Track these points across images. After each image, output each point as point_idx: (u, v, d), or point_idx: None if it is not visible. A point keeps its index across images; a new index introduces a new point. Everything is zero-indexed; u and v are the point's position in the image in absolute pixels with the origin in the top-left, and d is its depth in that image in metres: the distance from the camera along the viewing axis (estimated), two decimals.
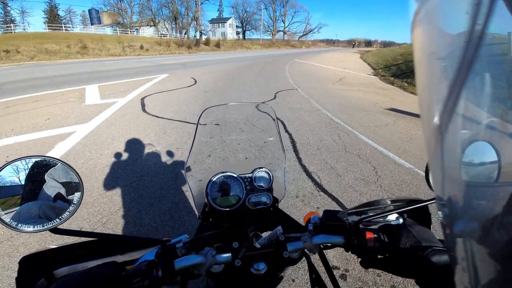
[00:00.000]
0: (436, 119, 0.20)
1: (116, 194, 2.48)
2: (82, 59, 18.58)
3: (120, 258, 0.57)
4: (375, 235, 0.57)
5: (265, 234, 0.59)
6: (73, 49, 22.04)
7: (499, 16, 0.16)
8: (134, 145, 3.55)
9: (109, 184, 2.63)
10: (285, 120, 4.90)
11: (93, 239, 0.57)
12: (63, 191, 0.51)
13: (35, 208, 0.47)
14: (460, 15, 0.17)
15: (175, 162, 3.14)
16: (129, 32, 42.44)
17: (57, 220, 0.49)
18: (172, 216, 2.21)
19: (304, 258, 0.64)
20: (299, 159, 3.29)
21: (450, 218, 0.22)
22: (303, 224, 0.69)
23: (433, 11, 0.20)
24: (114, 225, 2.10)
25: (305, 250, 0.62)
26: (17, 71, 11.18)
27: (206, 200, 0.75)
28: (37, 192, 0.48)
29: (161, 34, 46.44)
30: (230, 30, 67.09)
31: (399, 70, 12.41)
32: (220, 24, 67.08)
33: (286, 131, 4.33)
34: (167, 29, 51.90)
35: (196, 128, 0.85)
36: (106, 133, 3.95)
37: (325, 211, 0.62)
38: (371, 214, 0.63)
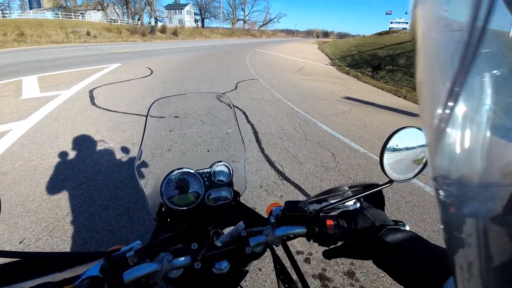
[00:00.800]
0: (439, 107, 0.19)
1: (63, 199, 2.24)
2: (19, 47, 16.31)
3: (59, 276, 0.50)
4: (335, 222, 0.58)
5: (226, 231, 0.58)
6: (9, 37, 19.17)
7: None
8: (83, 143, 3.23)
9: (54, 187, 2.37)
10: (247, 110, 4.88)
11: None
12: None
13: None
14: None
15: (132, 158, 2.94)
16: (73, 16, 38.11)
17: None
18: (130, 217, 2.08)
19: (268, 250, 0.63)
20: (262, 149, 3.31)
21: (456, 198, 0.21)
22: (267, 216, 0.68)
23: None
24: (62, 232, 1.90)
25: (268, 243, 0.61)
26: None
27: (161, 200, 0.69)
28: None
29: (111, 19, 42.58)
30: (188, 18, 64.15)
31: (354, 60, 13.09)
32: (177, 10, 63.68)
33: (248, 121, 4.31)
34: (117, 14, 47.71)
35: (146, 121, 0.79)
36: (48, 130, 3.53)
37: (286, 202, 0.62)
38: (331, 202, 0.64)
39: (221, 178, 0.74)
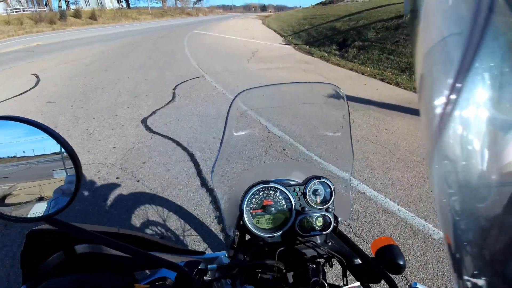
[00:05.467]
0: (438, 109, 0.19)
1: None
2: None
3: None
4: None
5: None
6: None
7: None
8: None
9: None
10: (195, 147, 2.81)
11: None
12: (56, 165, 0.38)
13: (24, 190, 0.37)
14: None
15: None
16: None
17: (52, 209, 0.37)
18: None
19: None
20: None
21: (454, 224, 0.21)
22: (371, 253, 0.55)
23: None
24: None
25: None
26: None
27: (238, 215, 0.59)
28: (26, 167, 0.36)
29: (14, 9, 33.75)
30: None
31: (310, 36, 11.39)
32: None
33: (201, 180, 2.29)
34: (20, 2, 38.28)
35: (226, 120, 0.67)
36: None
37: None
38: None
39: (319, 199, 0.61)
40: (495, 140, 0.19)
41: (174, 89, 4.82)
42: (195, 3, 70.72)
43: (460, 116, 0.18)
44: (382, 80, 5.63)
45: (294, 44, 10.57)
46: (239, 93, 0.71)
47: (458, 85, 0.17)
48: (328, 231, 0.58)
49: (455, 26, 0.18)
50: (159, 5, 63.38)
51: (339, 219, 0.62)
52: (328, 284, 0.48)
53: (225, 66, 6.70)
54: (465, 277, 0.22)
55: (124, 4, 59.59)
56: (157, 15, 49.27)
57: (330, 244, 0.61)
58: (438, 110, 0.19)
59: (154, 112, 3.82)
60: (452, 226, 0.22)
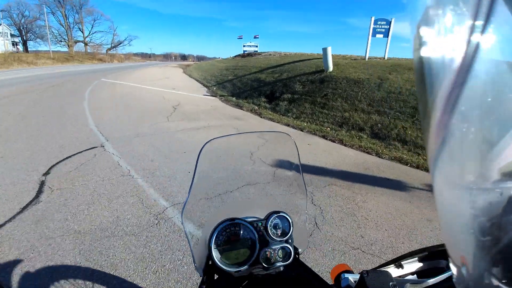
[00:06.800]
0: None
1: None
2: None
3: None
4: None
5: None
6: None
7: (499, 17, 0.16)
8: None
9: None
10: None
11: None
12: None
13: None
14: (461, 17, 0.18)
15: None
16: None
17: None
18: None
19: None
20: None
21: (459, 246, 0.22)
22: (329, 281, 0.62)
23: (436, 14, 0.19)
24: None
25: None
26: None
27: (207, 254, 0.62)
28: None
29: None
30: (1, 40, 46.75)
31: (236, 87, 10.97)
32: None
33: None
34: None
35: (197, 163, 0.68)
36: None
37: (363, 273, 0.50)
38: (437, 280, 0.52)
39: (279, 232, 0.66)
40: (495, 140, 0.19)
41: (45, 173, 3.06)
42: (109, 49, 66.55)
43: (460, 116, 0.18)
44: (324, 137, 5.11)
45: (220, 96, 9.87)
46: (207, 141, 0.71)
47: (458, 84, 0.18)
48: (289, 261, 0.63)
49: (456, 30, 0.18)
50: (65, 49, 57.12)
51: (299, 250, 0.68)
52: None
53: (136, 127, 5.19)
54: (466, 277, 0.22)
55: (21, 47, 51.47)
56: (60, 60, 43.52)
57: (293, 273, 0.64)
58: (438, 110, 0.19)
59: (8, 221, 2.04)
60: (452, 226, 0.22)
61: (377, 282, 0.47)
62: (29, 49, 52.22)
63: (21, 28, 51.18)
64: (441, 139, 0.19)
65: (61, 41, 57.09)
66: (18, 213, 2.31)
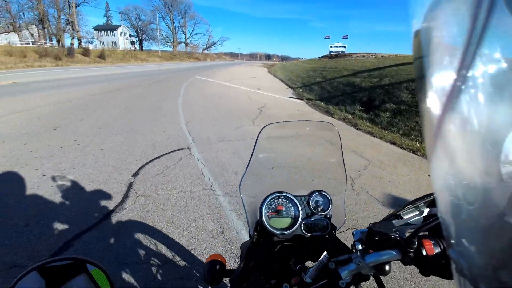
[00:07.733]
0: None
1: None
2: None
3: None
4: (433, 241, 0.50)
5: (311, 265, 0.55)
6: None
7: (499, 17, 0.16)
8: None
9: None
10: None
11: None
12: None
13: None
14: (461, 19, 0.18)
15: None
16: None
17: None
18: None
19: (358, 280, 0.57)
20: None
21: (453, 229, 0.22)
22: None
23: (434, 19, 0.19)
24: None
25: (360, 272, 0.55)
26: None
27: (258, 219, 0.72)
28: None
29: (25, 42, 34.20)
30: (122, 39, 57.63)
31: (324, 91, 10.06)
32: (109, 32, 56.80)
33: None
34: (32, 35, 39.28)
35: (255, 144, 0.79)
36: None
37: (370, 225, 0.56)
38: (430, 221, 0.50)
39: (319, 208, 0.74)
40: (495, 140, 0.19)
41: (134, 174, 2.99)
42: (204, 49, 73.81)
43: (461, 116, 0.18)
44: None
45: (307, 99, 9.14)
46: (265, 126, 0.82)
47: (459, 84, 0.18)
48: (326, 233, 0.70)
49: (456, 31, 0.18)
50: (170, 49, 66.00)
51: (336, 227, 0.73)
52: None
53: (222, 128, 4.99)
54: (466, 276, 0.22)
55: (137, 46, 62.13)
56: (166, 58, 50.57)
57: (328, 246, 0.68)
58: (439, 110, 0.19)
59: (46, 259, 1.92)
60: (452, 226, 0.22)
61: (383, 230, 0.53)
62: (143, 48, 62.23)
63: (138, 30, 61.39)
64: (442, 139, 0.19)
65: (168, 42, 66.03)
66: (98, 222, 2.17)
